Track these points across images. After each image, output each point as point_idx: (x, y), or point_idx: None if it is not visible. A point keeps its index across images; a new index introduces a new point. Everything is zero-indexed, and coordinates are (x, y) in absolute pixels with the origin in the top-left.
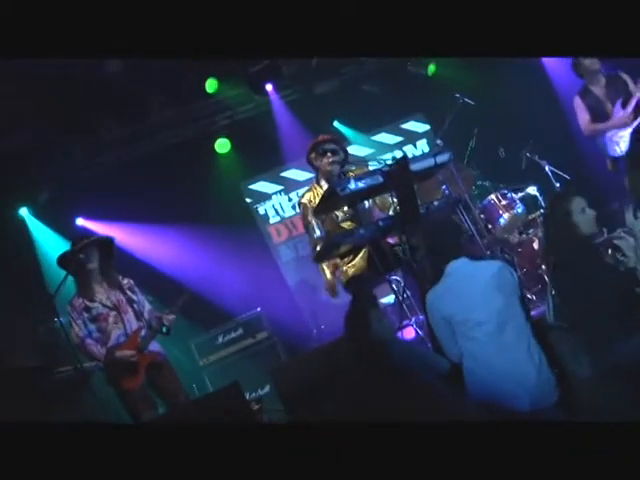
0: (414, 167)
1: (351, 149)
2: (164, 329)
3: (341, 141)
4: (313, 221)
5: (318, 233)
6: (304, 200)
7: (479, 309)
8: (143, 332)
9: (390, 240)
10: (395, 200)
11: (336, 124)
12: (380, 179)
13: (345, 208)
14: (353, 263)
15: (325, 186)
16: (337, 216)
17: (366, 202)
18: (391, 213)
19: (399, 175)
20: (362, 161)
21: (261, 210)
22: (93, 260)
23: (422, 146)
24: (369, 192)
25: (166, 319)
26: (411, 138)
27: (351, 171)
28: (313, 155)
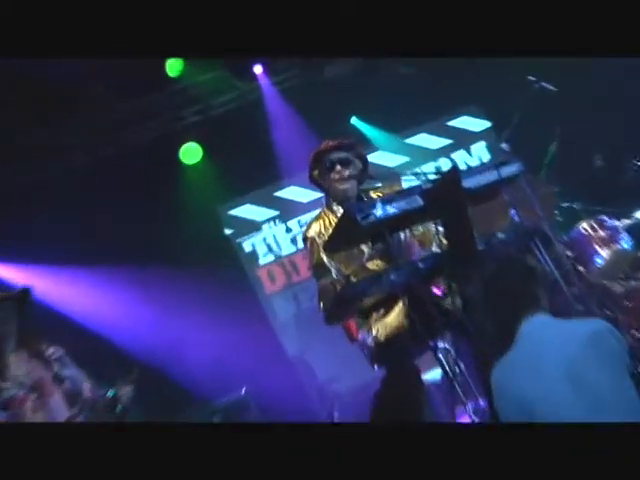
0: (468, 183)
1: (376, 157)
2: (118, 409)
3: (356, 146)
4: (324, 260)
5: (332, 278)
6: (311, 232)
7: (568, 390)
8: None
9: (435, 289)
10: (441, 231)
11: (354, 121)
12: (419, 201)
13: (369, 243)
14: (384, 322)
15: (339, 211)
16: (360, 253)
17: (401, 234)
18: (435, 250)
19: (446, 195)
20: (392, 175)
21: (247, 246)
22: (5, 323)
23: (479, 152)
24: (403, 220)
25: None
26: (463, 140)
27: (375, 189)
28: (317, 172)
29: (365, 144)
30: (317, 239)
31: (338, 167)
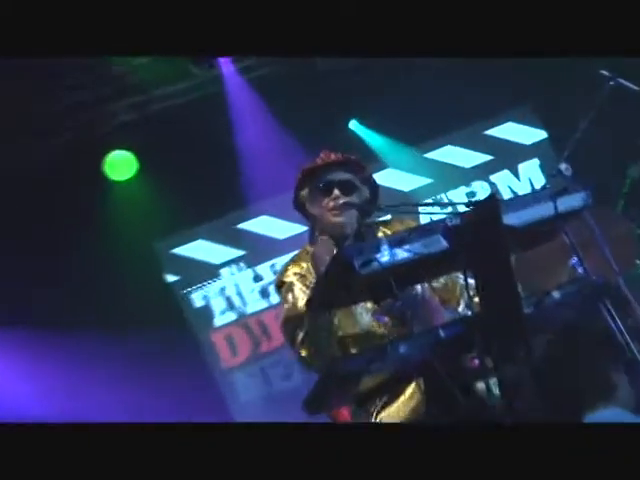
0: (513, 219)
1: (384, 177)
2: None
3: (365, 168)
4: (306, 321)
5: (317, 348)
6: (289, 276)
7: None
8: None
9: (472, 361)
10: (472, 285)
11: (354, 126)
12: (442, 242)
13: (370, 301)
14: (388, 412)
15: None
16: (358, 314)
17: (416, 288)
18: (464, 311)
19: (481, 235)
20: (405, 205)
21: (198, 299)
22: None
23: (529, 173)
24: (419, 269)
25: None
26: (507, 157)
27: (383, 224)
28: (305, 192)
29: (366, 162)
30: (297, 283)
31: (336, 192)
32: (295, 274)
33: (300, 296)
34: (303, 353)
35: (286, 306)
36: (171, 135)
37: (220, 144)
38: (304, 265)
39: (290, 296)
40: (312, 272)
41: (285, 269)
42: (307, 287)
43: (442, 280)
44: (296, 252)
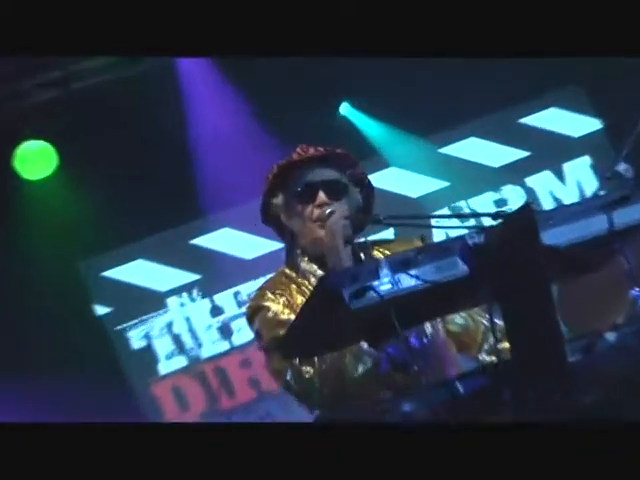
0: (555, 237)
1: (385, 178)
2: None
3: (355, 164)
4: (287, 373)
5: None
6: (268, 302)
7: None
8: None
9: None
10: (500, 325)
11: (345, 111)
12: (461, 266)
13: (364, 343)
14: None
15: (313, 279)
16: (350, 359)
17: (426, 328)
18: (487, 359)
19: (512, 257)
20: (412, 217)
21: (136, 338)
22: None
23: (578, 175)
24: (430, 302)
25: None
26: (547, 152)
27: (381, 244)
28: (278, 200)
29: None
30: (278, 304)
31: (321, 196)
32: (276, 295)
33: (286, 312)
34: (296, 387)
35: (266, 332)
36: (102, 122)
37: (169, 136)
38: (285, 292)
39: (271, 315)
40: (290, 310)
41: (262, 293)
42: (292, 311)
43: (460, 318)
44: (271, 276)
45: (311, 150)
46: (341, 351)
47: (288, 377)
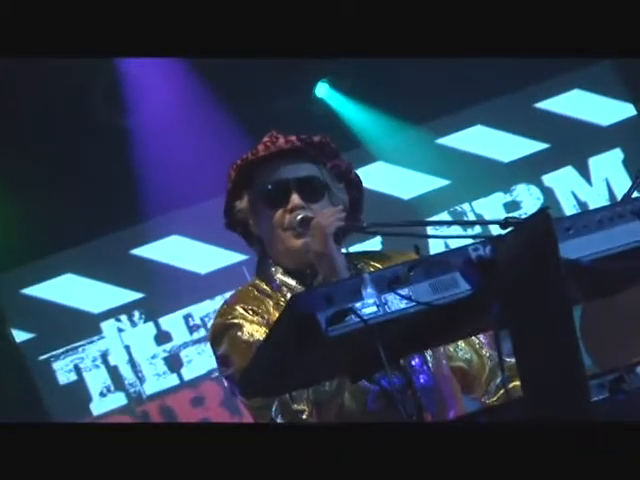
0: (576, 249)
1: (371, 175)
2: None
3: (330, 149)
4: (272, 410)
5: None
6: (237, 320)
7: None
8: None
9: None
10: (509, 360)
11: (322, 92)
12: (462, 284)
13: (343, 379)
14: None
15: (284, 299)
16: (349, 400)
17: (428, 361)
18: (491, 401)
19: (525, 273)
20: (403, 225)
21: (63, 372)
22: None
23: (606, 171)
24: (424, 328)
25: None
26: (569, 144)
27: (366, 257)
28: (242, 203)
29: (350, 148)
30: (247, 326)
31: (295, 198)
32: (249, 311)
33: (261, 332)
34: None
35: (238, 358)
36: (19, 99)
37: (102, 125)
38: (260, 309)
39: (245, 337)
40: (259, 331)
41: (231, 309)
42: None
43: (462, 352)
44: (239, 289)
45: (281, 140)
46: (339, 387)
47: (273, 415)
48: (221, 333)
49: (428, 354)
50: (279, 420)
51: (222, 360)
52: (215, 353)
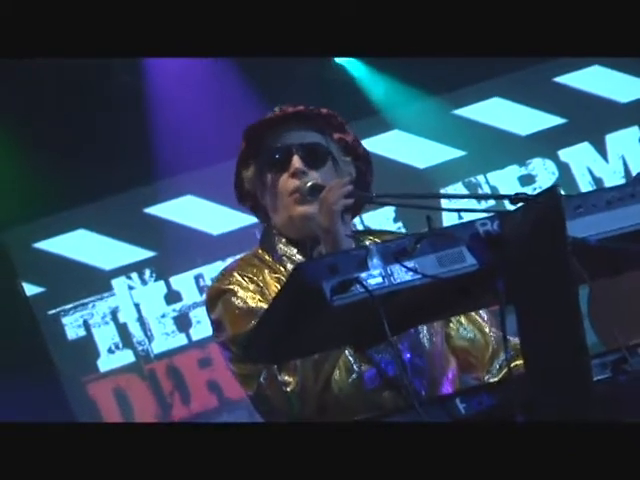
0: (585, 228)
1: (385, 144)
2: None
3: (336, 121)
4: (261, 379)
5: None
6: (233, 285)
7: None
8: None
9: None
10: (513, 340)
11: (342, 60)
12: (468, 259)
13: (348, 349)
14: None
15: (291, 263)
16: (341, 377)
17: (422, 334)
18: (493, 378)
19: (532, 251)
20: (413, 196)
21: (72, 327)
22: None
23: (623, 148)
24: (429, 302)
25: None
26: (586, 120)
27: (369, 234)
28: (250, 172)
29: (367, 115)
30: (241, 293)
31: (296, 161)
32: (245, 279)
33: (256, 299)
34: (271, 400)
35: (230, 323)
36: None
37: (117, 84)
38: (257, 277)
39: (238, 302)
40: (260, 297)
41: (228, 275)
42: (265, 300)
43: (465, 331)
44: (241, 256)
45: (288, 108)
46: (328, 360)
47: (261, 384)
48: (216, 298)
49: (422, 334)
50: (266, 390)
51: (215, 325)
52: (209, 317)
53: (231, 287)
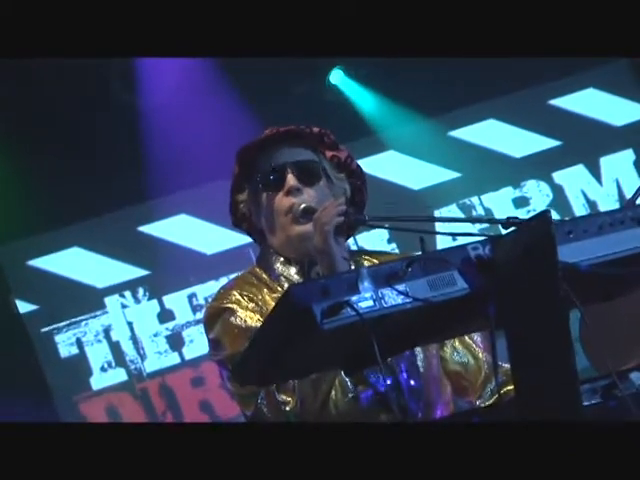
0: (577, 253)
1: (380, 165)
2: None
3: (329, 139)
4: (259, 399)
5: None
6: (232, 304)
7: None
8: None
9: None
10: (505, 367)
11: (336, 78)
12: (459, 283)
13: (339, 372)
14: None
15: (288, 283)
16: (338, 397)
17: (416, 356)
18: (485, 401)
19: (523, 276)
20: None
21: (65, 345)
22: None
23: (617, 171)
24: (420, 325)
25: None
26: (581, 142)
27: (363, 255)
28: (243, 196)
29: (362, 135)
30: (240, 312)
31: (290, 179)
32: (245, 297)
33: (255, 319)
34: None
35: (229, 342)
36: (35, 72)
37: (114, 100)
38: (256, 296)
39: (238, 322)
40: (255, 317)
41: (227, 293)
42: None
43: (458, 355)
44: (238, 274)
45: (281, 129)
46: (325, 380)
47: (260, 404)
48: (215, 316)
49: (419, 357)
50: (264, 409)
51: (214, 344)
52: (207, 336)
53: (230, 306)
